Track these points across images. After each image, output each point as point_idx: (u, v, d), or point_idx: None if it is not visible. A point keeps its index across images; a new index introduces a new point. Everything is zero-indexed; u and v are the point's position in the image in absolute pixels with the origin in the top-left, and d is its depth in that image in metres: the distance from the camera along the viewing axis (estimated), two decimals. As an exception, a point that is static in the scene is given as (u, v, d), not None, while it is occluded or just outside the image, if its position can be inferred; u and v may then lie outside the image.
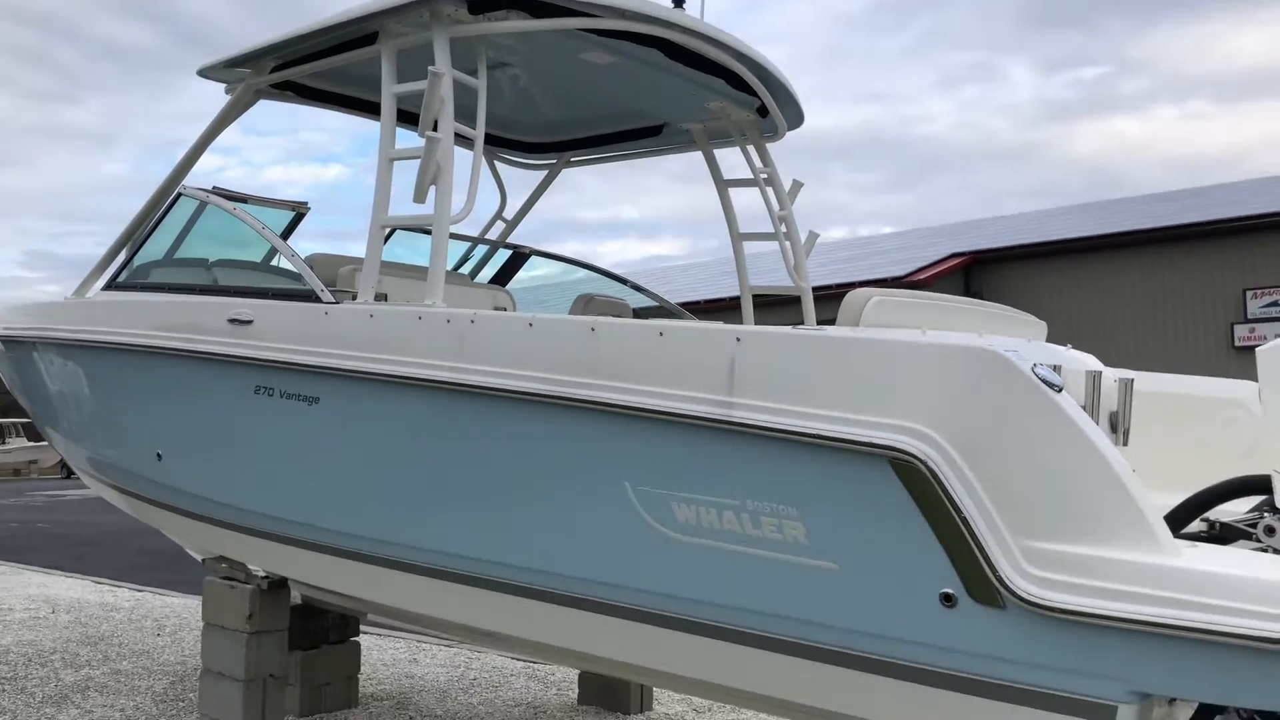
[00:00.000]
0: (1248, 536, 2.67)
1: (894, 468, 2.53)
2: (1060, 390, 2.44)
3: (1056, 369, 2.69)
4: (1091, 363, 3.62)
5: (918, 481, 2.50)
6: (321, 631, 5.68)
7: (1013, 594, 2.38)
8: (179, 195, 4.94)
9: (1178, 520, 2.74)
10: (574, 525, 3.18)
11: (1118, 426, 3.47)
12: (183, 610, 8.66)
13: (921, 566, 2.53)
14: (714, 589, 2.87)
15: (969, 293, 21.64)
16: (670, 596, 2.99)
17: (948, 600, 2.50)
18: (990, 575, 2.41)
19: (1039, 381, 2.43)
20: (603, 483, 3.09)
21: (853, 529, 2.63)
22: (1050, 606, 2.33)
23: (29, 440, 45.63)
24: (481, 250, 6.36)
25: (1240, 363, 18.92)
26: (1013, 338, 3.31)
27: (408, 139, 5.39)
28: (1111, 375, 3.59)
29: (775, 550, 2.74)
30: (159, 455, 4.61)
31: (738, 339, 2.82)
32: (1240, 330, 19.56)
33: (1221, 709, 2.47)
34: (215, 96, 4.98)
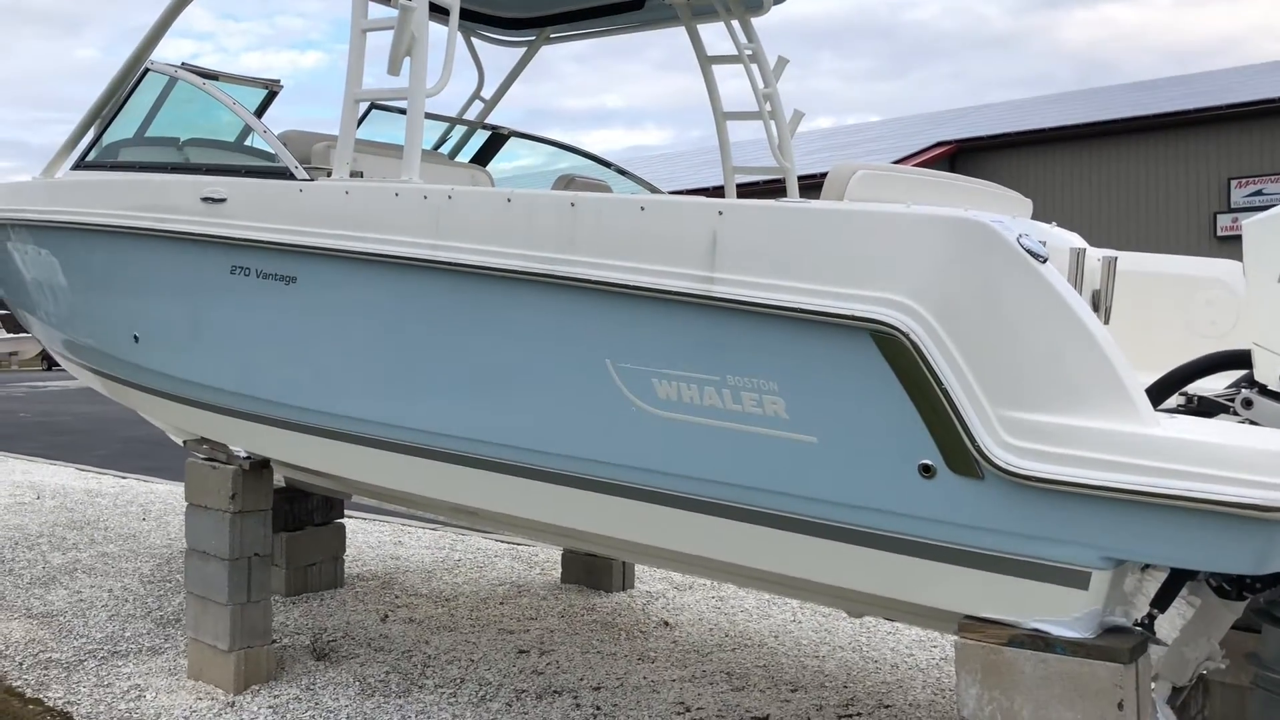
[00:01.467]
0: (1226, 410, 2.68)
1: (875, 340, 2.52)
2: (1045, 261, 2.41)
3: (1042, 243, 2.66)
4: (1075, 240, 3.59)
5: (899, 354, 2.48)
6: (306, 514, 5.74)
7: (991, 464, 2.39)
8: (146, 71, 4.79)
9: (1157, 394, 2.75)
10: (555, 402, 3.17)
11: (1100, 304, 3.46)
12: (167, 496, 8.72)
13: (901, 438, 2.53)
14: (694, 464, 2.88)
15: (953, 182, 21.48)
16: (651, 471, 3.00)
17: (926, 471, 2.51)
18: (969, 446, 2.42)
19: (1023, 251, 2.40)
20: (583, 359, 3.07)
21: (833, 402, 2.62)
22: (1027, 475, 2.35)
23: (8, 331, 45.34)
24: (460, 131, 6.24)
25: (1223, 252, 18.96)
26: (998, 213, 3.28)
27: (383, 15, 5.23)
28: (1095, 254, 3.57)
29: (755, 425, 2.74)
30: (136, 337, 4.57)
31: (720, 212, 2.78)
32: (1223, 220, 19.55)
33: (1191, 575, 2.51)
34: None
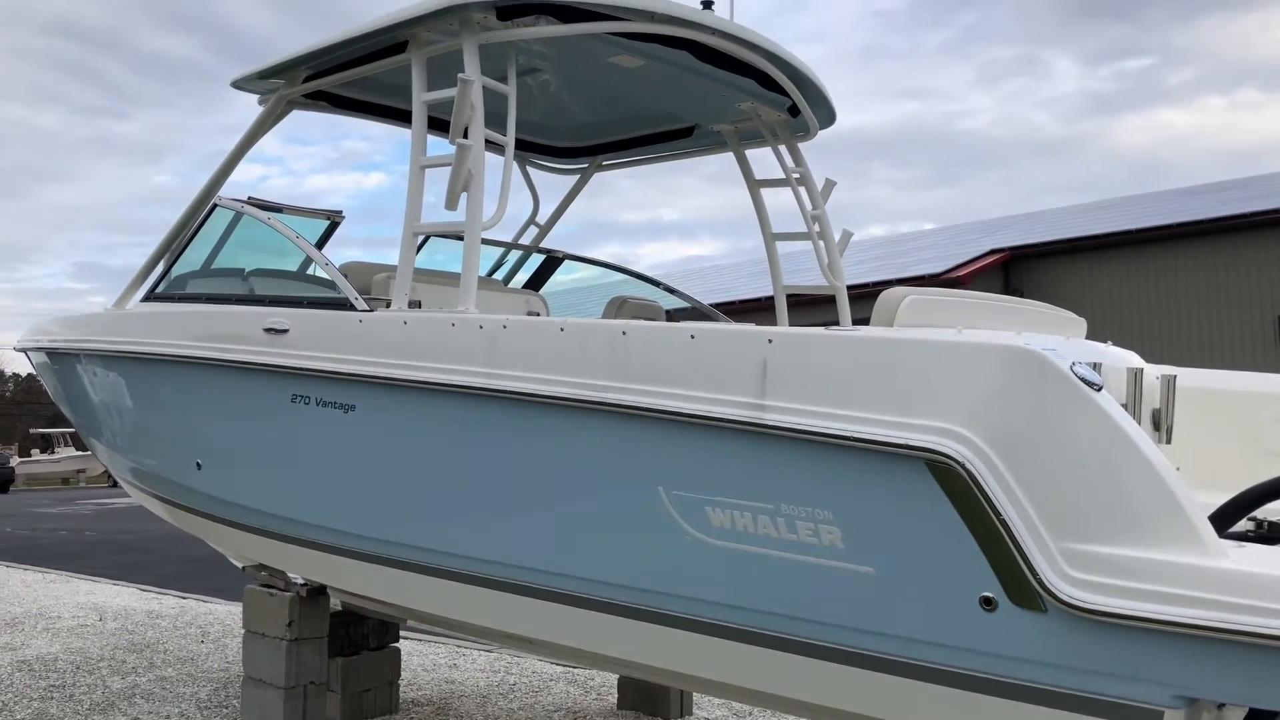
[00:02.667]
0: None
1: (931, 470, 2.50)
2: (1099, 389, 2.39)
3: (1096, 367, 2.64)
4: (1133, 359, 3.55)
5: (955, 484, 2.46)
6: (361, 638, 5.71)
7: (1053, 597, 2.33)
8: (214, 206, 4.99)
9: (1224, 519, 2.67)
10: (608, 530, 3.17)
11: (1160, 424, 3.41)
12: (226, 617, 8.75)
13: (960, 570, 2.49)
14: (750, 594, 2.85)
15: (1009, 290, 21.43)
16: (706, 602, 2.96)
17: (987, 604, 2.46)
18: (1030, 578, 2.37)
19: (1077, 380, 2.38)
20: (636, 487, 3.07)
21: (890, 532, 2.59)
22: (1091, 609, 2.29)
23: (76, 449, 46.44)
24: (515, 256, 6.38)
25: (1289, 356, 18.57)
26: (1051, 336, 3.26)
27: (440, 147, 5.41)
28: (1153, 372, 3.53)
29: (811, 554, 2.71)
30: (199, 464, 4.66)
31: (769, 340, 2.80)
32: (1288, 323, 19.18)
33: (1274, 714, 2.41)
34: (257, 106, 5.03)
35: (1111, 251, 21.26)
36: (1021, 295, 20.09)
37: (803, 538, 2.72)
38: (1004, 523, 2.40)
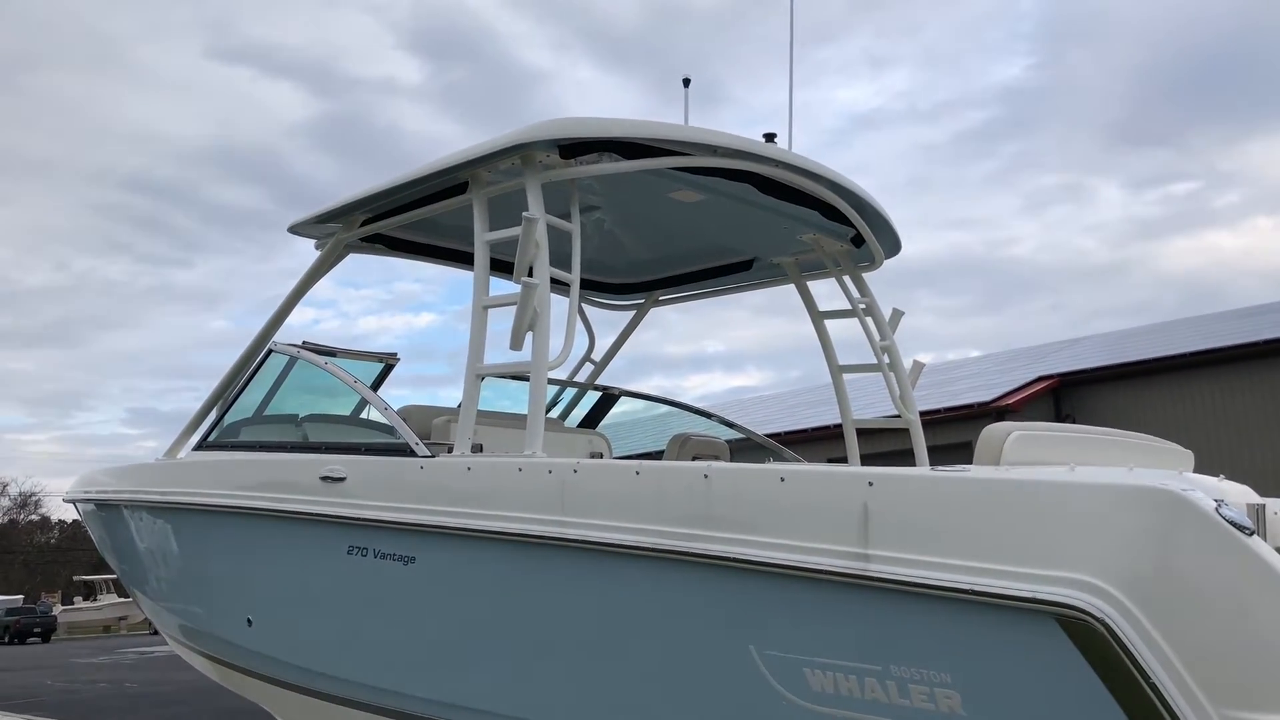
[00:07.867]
0: None
1: (1064, 627, 2.25)
2: (1251, 533, 2.15)
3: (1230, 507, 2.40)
4: (1250, 494, 3.29)
5: (1094, 642, 2.20)
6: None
7: (1220, 773, 2.05)
8: (269, 351, 4.90)
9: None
10: (693, 694, 2.91)
11: None
12: (270, 776, 8.38)
13: (1104, 740, 2.21)
14: (858, 766, 2.57)
15: (1060, 416, 21.01)
16: (807, 774, 2.68)
17: (1139, 780, 2.17)
18: (1190, 751, 2.09)
19: (1226, 524, 2.15)
20: (725, 646, 2.83)
21: (1017, 698, 2.32)
22: (1270, 790, 2.00)
23: (119, 596, 46.19)
24: (569, 393, 6.23)
25: (1360, 479, 17.90)
26: (1161, 471, 3.02)
27: (498, 286, 5.32)
28: (1273, 506, 3.26)
29: (928, 722, 2.44)
30: (249, 620, 4.44)
31: (870, 483, 2.59)
32: (1356, 444, 18.56)
33: None
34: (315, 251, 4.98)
35: (1163, 376, 20.85)
36: (1074, 422, 19.68)
37: (916, 703, 2.46)
38: (1153, 686, 2.14)
